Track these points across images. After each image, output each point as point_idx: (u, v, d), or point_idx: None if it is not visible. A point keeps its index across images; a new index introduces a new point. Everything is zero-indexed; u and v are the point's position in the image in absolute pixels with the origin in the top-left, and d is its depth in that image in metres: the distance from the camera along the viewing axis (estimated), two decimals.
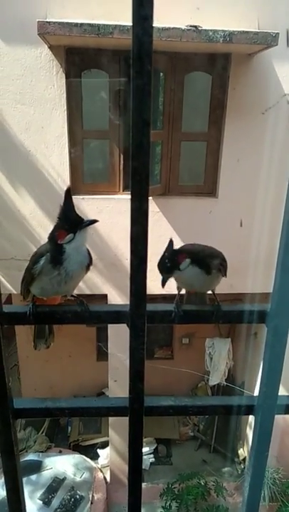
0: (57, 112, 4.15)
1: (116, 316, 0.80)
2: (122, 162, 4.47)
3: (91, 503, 5.19)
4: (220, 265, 1.20)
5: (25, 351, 6.46)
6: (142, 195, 0.46)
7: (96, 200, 4.44)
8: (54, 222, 1.13)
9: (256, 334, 5.72)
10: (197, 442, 6.61)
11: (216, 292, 1.25)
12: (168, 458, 6.35)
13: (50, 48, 3.97)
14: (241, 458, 6.25)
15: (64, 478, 5.38)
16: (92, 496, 5.30)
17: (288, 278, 0.54)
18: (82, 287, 4.41)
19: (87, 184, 4.55)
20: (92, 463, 5.85)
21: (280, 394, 0.63)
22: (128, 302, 0.52)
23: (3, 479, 0.69)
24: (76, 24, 3.47)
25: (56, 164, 4.30)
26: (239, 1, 4.00)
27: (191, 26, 3.59)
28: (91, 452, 6.19)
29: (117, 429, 5.43)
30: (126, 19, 3.47)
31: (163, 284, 1.19)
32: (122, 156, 4.45)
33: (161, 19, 3.43)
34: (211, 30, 3.55)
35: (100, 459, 6.10)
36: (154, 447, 6.32)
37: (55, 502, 5.07)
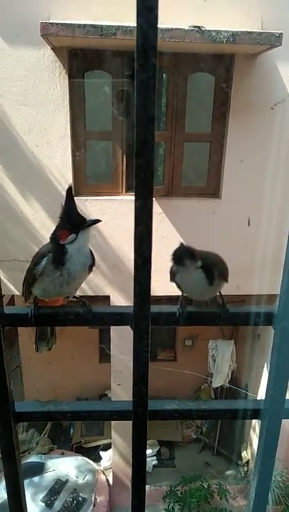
0: (60, 113, 4.15)
1: (119, 317, 0.79)
2: (125, 163, 4.46)
3: (93, 505, 5.17)
4: (222, 275, 1.19)
5: (27, 353, 6.45)
6: (146, 193, 0.44)
7: (99, 201, 4.43)
8: (57, 223, 1.12)
9: (259, 336, 5.70)
10: (200, 445, 6.59)
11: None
12: (171, 460, 6.32)
13: (53, 49, 3.97)
14: (245, 460, 6.22)
15: (66, 481, 5.37)
16: (95, 498, 5.28)
17: None
18: (85, 288, 4.41)
19: (90, 185, 4.54)
20: (94, 465, 5.83)
21: (287, 397, 0.61)
22: (131, 304, 0.51)
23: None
24: (79, 25, 3.47)
25: (59, 165, 4.30)
26: (242, 2, 3.99)
27: (194, 27, 3.58)
28: (93, 454, 6.17)
29: (120, 432, 5.41)
30: (129, 20, 3.47)
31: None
32: (124, 157, 4.45)
33: (164, 20, 3.42)
34: (214, 31, 3.54)
35: (102, 461, 6.08)
36: (156, 449, 6.29)
37: (58, 504, 5.05)
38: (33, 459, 5.69)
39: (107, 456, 6.02)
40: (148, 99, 0.39)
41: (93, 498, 5.24)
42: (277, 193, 4.19)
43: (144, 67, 0.38)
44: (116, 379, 5.18)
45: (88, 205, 4.35)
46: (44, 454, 5.86)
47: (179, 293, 1.21)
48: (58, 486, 5.27)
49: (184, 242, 1.18)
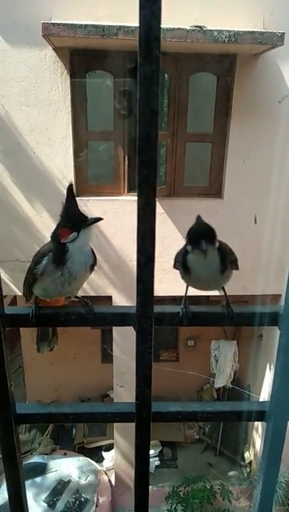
0: (61, 113, 4.15)
1: (122, 318, 0.78)
2: (126, 163, 4.46)
3: (96, 506, 5.17)
4: (234, 264, 1.14)
5: (30, 353, 6.45)
6: (149, 191, 0.43)
7: (101, 201, 4.43)
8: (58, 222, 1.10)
9: (262, 336, 5.68)
10: (203, 445, 6.57)
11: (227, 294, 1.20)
12: (173, 461, 6.31)
13: (55, 49, 3.96)
14: (247, 461, 6.19)
15: (69, 481, 5.36)
16: (97, 498, 5.27)
17: None
18: (87, 288, 4.40)
19: (91, 185, 4.54)
20: (97, 465, 5.82)
21: None
22: (134, 304, 0.50)
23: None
24: (80, 25, 3.46)
25: (61, 165, 4.29)
26: (244, 1, 3.98)
27: (195, 27, 3.57)
28: (96, 455, 6.16)
29: (123, 432, 5.40)
30: (130, 20, 3.46)
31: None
32: (126, 157, 4.44)
33: (165, 20, 3.41)
34: (216, 31, 3.53)
35: (104, 461, 6.07)
36: (159, 450, 6.28)
37: (60, 505, 5.05)
38: (35, 459, 5.68)
39: (109, 457, 6.01)
40: (151, 92, 0.38)
41: (95, 498, 5.24)
42: (280, 193, 4.17)
43: (147, 60, 0.37)
44: (118, 381, 5.17)
45: (90, 206, 4.34)
46: (46, 454, 5.86)
47: (182, 293, 1.19)
48: (61, 486, 5.27)
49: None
